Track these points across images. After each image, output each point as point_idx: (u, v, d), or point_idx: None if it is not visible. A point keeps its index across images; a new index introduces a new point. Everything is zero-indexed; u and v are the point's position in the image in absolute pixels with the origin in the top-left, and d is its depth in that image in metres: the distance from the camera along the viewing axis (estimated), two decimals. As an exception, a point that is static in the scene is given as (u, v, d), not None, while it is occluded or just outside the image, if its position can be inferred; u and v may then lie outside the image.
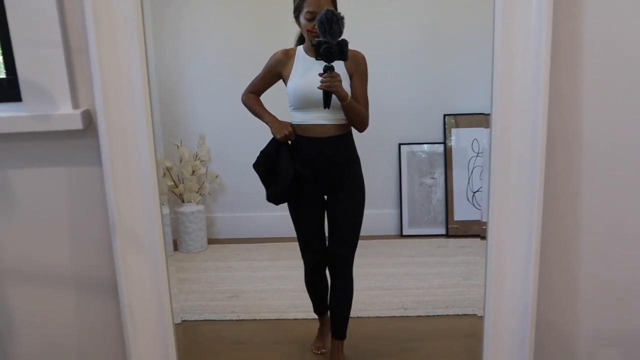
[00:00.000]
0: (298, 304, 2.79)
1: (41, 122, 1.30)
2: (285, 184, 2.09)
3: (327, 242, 2.25)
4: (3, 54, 1.42)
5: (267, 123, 2.13)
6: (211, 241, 3.62)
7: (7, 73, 1.43)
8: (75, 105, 1.33)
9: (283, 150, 2.10)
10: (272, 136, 2.12)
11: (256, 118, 2.19)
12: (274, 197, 2.17)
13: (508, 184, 1.37)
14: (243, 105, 2.22)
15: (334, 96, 1.97)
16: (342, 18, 1.85)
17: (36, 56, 1.29)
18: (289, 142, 2.11)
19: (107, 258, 1.41)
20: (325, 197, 2.21)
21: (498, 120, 1.32)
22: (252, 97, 2.19)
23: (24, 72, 1.30)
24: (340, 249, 2.21)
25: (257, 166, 2.15)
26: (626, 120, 1.36)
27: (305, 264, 2.34)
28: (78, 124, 1.31)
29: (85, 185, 1.38)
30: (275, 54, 2.14)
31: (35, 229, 1.42)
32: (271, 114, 2.15)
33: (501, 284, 1.44)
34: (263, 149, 2.15)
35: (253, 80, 2.20)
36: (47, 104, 1.31)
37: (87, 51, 1.28)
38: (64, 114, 1.31)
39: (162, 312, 1.39)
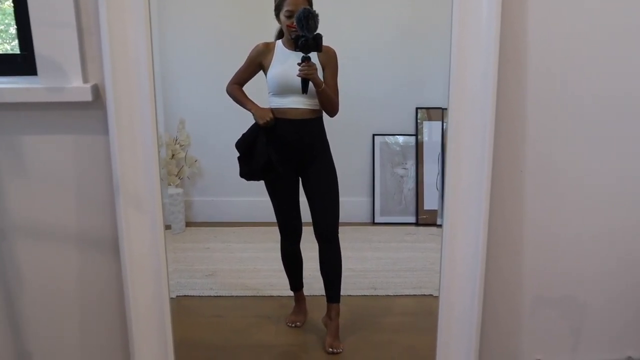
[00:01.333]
0: (274, 283, 2.97)
1: (54, 94, 1.50)
2: (257, 166, 2.40)
3: (312, 215, 2.47)
4: (18, 33, 1.61)
5: (250, 110, 2.39)
6: (189, 224, 3.75)
7: (21, 50, 1.62)
8: (85, 80, 1.53)
9: (261, 136, 2.38)
10: (253, 122, 2.40)
11: (238, 106, 2.44)
12: (245, 175, 2.47)
13: (461, 169, 1.58)
14: (224, 93, 2.48)
15: (310, 82, 2.26)
16: (317, 15, 2.16)
17: (52, 35, 1.49)
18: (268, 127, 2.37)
19: (110, 219, 1.61)
20: (300, 178, 2.46)
21: (453, 112, 1.54)
22: (236, 88, 2.45)
23: (40, 49, 1.50)
24: (325, 217, 2.46)
25: (238, 145, 2.44)
26: (563, 109, 1.61)
27: (281, 236, 2.60)
28: (87, 96, 1.51)
29: (91, 151, 1.58)
30: (256, 46, 2.42)
31: (45, 190, 1.62)
32: (253, 102, 2.41)
33: (453, 265, 1.66)
34: (245, 132, 2.44)
35: (236, 72, 2.46)
36: (60, 77, 1.51)
37: (97, 32, 1.48)
38: (75, 87, 1.52)
39: (159, 268, 1.59)
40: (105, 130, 1.53)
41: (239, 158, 2.46)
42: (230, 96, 2.46)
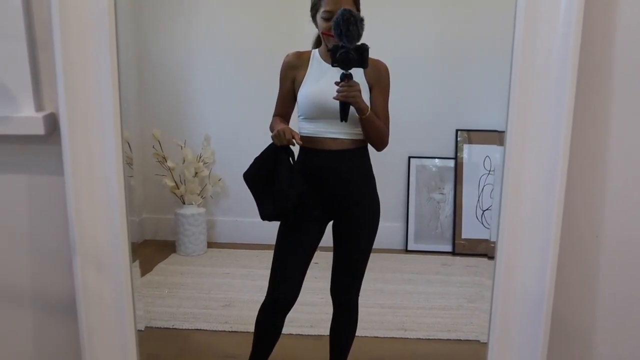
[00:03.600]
0: (292, 317, 2.56)
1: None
2: (285, 204, 1.75)
3: (333, 267, 1.97)
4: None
5: None
6: (211, 245, 3.46)
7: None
8: (39, 108, 1.16)
9: (283, 161, 1.76)
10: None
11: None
12: (270, 216, 1.81)
13: (520, 209, 1.17)
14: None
15: (352, 108, 1.70)
16: (362, 19, 1.58)
17: (-4, 50, 1.13)
18: (290, 147, 1.76)
19: (69, 275, 1.23)
20: (332, 220, 1.91)
21: (513, 140, 1.12)
22: (276, 120, 1.87)
23: (-18, 68, 1.14)
24: (345, 277, 1.95)
25: (247, 176, 1.83)
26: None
27: (268, 297, 1.95)
28: (39, 129, 1.13)
29: (47, 195, 1.20)
30: (286, 56, 1.85)
31: (-8, 241, 1.26)
32: (284, 124, 1.82)
33: (509, 307, 1.23)
34: (258, 155, 1.81)
35: (276, 101, 1.90)
36: (6, 105, 1.14)
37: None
38: (25, 116, 1.14)
39: (125, 341, 1.21)
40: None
41: (253, 193, 1.82)
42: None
